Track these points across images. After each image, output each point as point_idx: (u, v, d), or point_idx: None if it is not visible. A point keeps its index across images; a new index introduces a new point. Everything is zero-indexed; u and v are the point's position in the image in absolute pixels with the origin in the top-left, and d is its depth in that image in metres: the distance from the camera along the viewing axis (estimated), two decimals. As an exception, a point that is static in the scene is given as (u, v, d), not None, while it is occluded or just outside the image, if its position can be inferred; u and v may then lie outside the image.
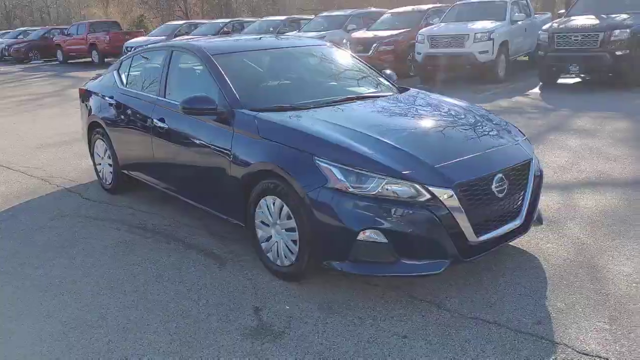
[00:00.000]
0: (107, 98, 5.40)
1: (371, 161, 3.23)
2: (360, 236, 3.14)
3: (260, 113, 3.83)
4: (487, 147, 3.57)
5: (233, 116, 3.89)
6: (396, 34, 13.83)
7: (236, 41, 5.51)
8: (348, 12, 17.21)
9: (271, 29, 17.84)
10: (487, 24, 12.24)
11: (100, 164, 5.74)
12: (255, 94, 4.18)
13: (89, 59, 23.22)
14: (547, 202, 4.82)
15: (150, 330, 3.14)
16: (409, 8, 15.55)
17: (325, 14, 17.90)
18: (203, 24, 21.05)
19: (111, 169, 5.50)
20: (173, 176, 4.66)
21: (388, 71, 5.12)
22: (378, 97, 4.40)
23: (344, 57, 5.12)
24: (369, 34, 14.38)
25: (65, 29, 25.20)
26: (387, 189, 3.13)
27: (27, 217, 5.09)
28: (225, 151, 3.88)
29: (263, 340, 2.99)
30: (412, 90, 4.72)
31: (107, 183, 5.64)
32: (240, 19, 22.15)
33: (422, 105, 4.33)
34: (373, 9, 18.38)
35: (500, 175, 3.37)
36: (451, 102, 4.40)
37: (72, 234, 4.61)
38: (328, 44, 5.27)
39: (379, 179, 3.14)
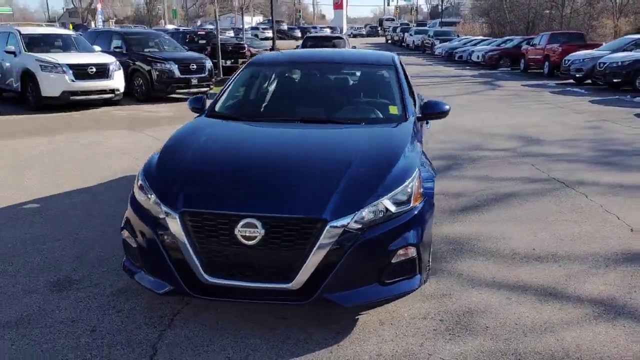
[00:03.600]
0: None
1: (154, 174, 3.42)
2: (123, 234, 3.43)
3: (204, 118, 4.30)
4: (274, 185, 3.21)
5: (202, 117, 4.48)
6: None
7: (302, 52, 5.73)
8: None
9: None
10: None
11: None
12: (237, 103, 4.59)
13: (540, 71, 23.29)
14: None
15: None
16: None
17: None
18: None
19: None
20: None
21: (434, 100, 4.53)
22: (350, 123, 4.17)
23: (388, 81, 4.70)
24: None
25: (531, 38, 25.81)
26: (154, 202, 3.26)
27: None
28: None
29: (53, 288, 3.77)
30: (406, 123, 4.11)
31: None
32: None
33: (360, 134, 3.94)
34: None
35: (250, 220, 2.97)
36: (391, 142, 3.75)
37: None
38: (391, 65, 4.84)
39: (150, 193, 3.33)
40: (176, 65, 13.50)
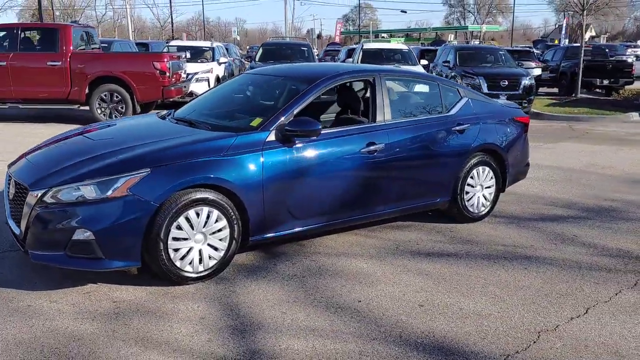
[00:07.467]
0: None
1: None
2: None
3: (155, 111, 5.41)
4: (42, 161, 4.22)
5: None
6: None
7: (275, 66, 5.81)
8: None
9: None
10: None
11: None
12: (193, 105, 5.36)
13: None
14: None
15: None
16: None
17: None
18: None
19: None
20: None
21: (305, 118, 4.35)
22: (206, 128, 4.49)
23: (288, 97, 4.70)
24: None
25: None
26: None
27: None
28: None
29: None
30: (235, 134, 4.21)
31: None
32: None
33: (175, 135, 4.31)
34: None
35: (12, 181, 4.10)
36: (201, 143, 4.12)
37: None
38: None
39: None
40: (485, 81, 13.43)
